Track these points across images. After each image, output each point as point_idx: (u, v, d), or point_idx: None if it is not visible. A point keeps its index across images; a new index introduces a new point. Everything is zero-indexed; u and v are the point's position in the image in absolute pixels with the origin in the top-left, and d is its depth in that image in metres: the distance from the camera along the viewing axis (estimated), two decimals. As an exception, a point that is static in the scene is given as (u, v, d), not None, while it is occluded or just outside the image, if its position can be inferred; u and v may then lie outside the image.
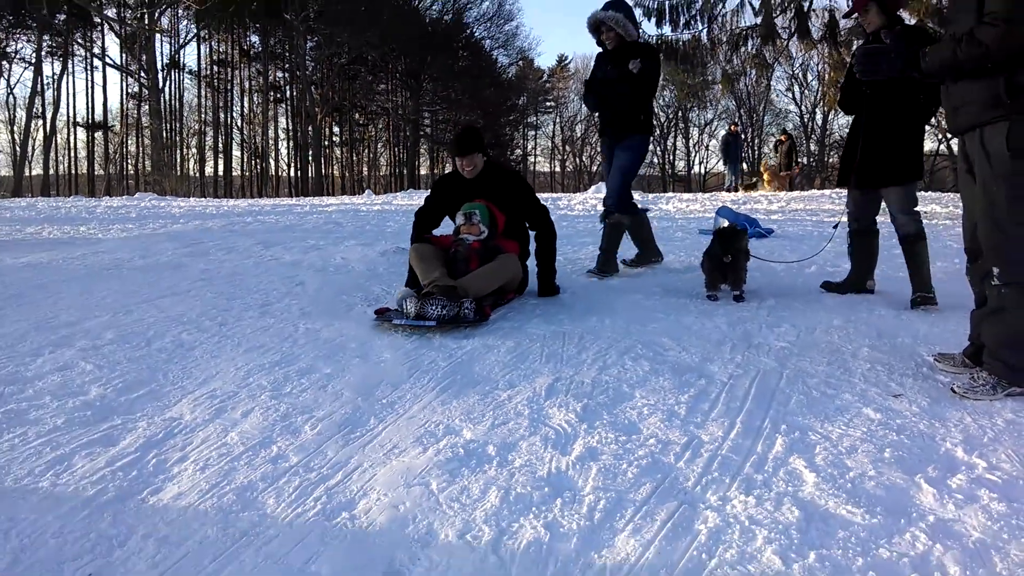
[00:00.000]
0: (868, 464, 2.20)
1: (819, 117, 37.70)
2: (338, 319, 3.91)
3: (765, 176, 17.74)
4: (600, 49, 5.24)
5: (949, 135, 28.57)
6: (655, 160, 44.52)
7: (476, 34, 43.66)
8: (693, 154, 45.12)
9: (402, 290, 3.93)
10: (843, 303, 4.19)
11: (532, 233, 4.53)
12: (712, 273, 4.28)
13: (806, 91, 36.94)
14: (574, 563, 1.75)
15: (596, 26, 5.10)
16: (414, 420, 2.59)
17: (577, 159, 48.34)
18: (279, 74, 43.17)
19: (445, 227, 4.61)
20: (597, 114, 5.50)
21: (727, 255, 4.15)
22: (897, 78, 3.01)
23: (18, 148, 36.62)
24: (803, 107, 38.59)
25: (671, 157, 45.02)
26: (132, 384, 2.96)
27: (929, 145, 28.94)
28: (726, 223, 5.75)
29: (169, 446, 2.42)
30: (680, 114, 43.89)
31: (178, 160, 40.99)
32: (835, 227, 4.75)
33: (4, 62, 36.94)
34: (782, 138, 19.70)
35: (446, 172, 4.61)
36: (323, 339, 3.55)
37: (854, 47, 4.79)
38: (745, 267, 4.28)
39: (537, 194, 4.67)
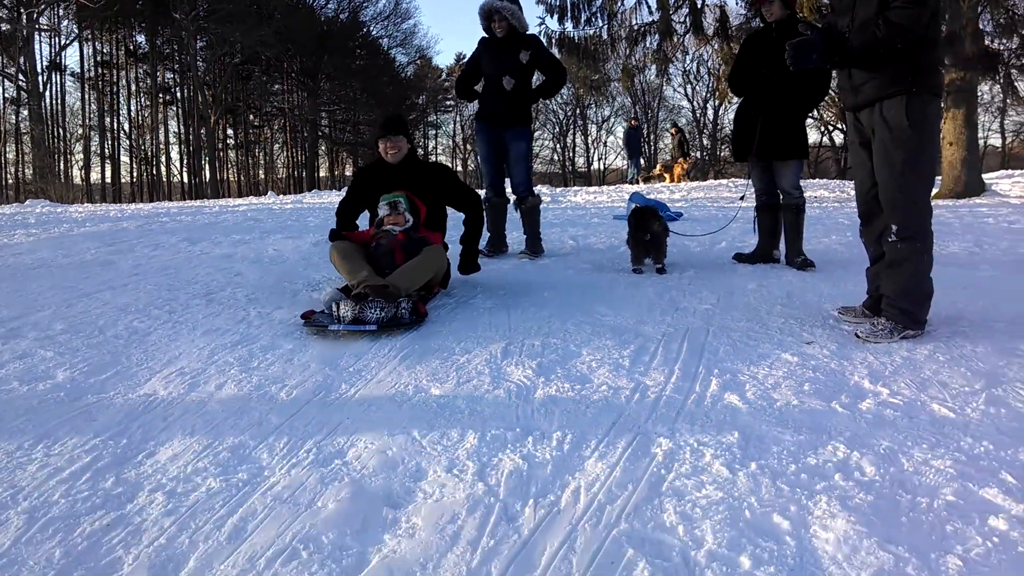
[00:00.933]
0: (791, 396, 2.55)
1: (710, 112, 39.26)
2: (286, 303, 4.04)
3: (662, 173, 18.63)
4: (485, 36, 5.44)
5: (831, 126, 30.19)
6: (555, 157, 45.37)
7: (373, 32, 43.36)
8: (592, 150, 46.16)
9: (328, 291, 3.65)
10: (754, 271, 4.66)
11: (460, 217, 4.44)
12: (636, 248, 4.65)
13: (698, 87, 38.37)
14: (552, 484, 2.00)
15: (489, 14, 5.31)
16: (384, 383, 2.79)
17: (479, 157, 48.64)
18: (168, 75, 41.71)
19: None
20: (474, 102, 5.66)
21: (647, 233, 4.51)
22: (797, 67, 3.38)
23: None
24: (695, 103, 40.13)
25: (571, 154, 45.91)
26: (97, 367, 3.03)
27: (813, 137, 30.65)
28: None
29: (151, 417, 2.53)
30: (578, 111, 44.81)
31: (62, 167, 39.01)
32: (741, 198, 5.23)
33: None
34: (672, 131, 20.63)
35: (364, 165, 4.51)
36: (277, 320, 3.68)
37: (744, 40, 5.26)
38: (665, 242, 4.66)
39: None
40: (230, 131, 42.89)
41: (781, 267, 4.82)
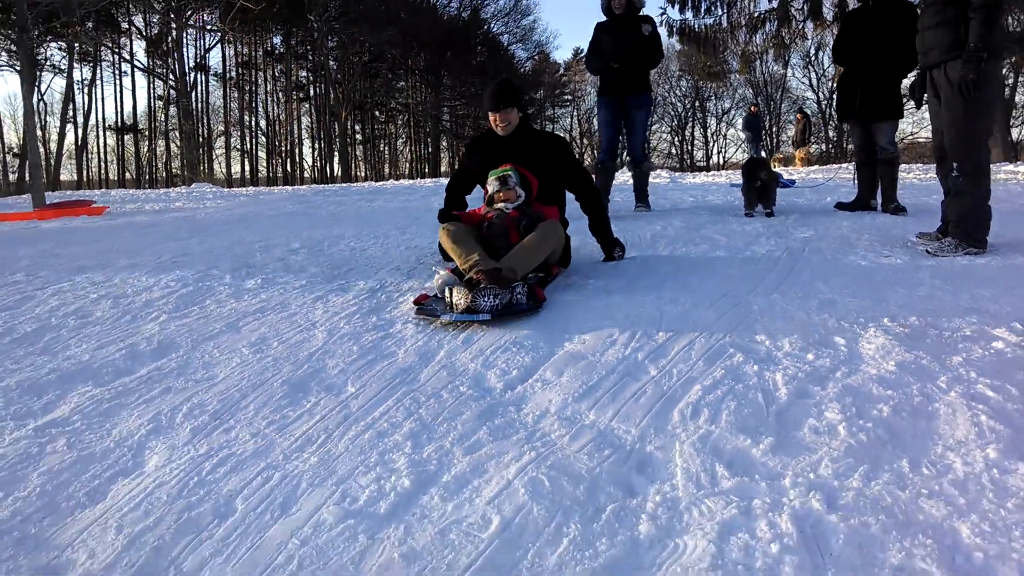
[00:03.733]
0: (864, 279, 3.34)
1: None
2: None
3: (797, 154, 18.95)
4: (604, 18, 6.06)
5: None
6: (673, 150, 45.45)
7: (494, 29, 44.73)
8: (711, 143, 45.91)
9: (441, 274, 3.30)
10: (852, 216, 5.41)
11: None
12: (748, 194, 5.44)
13: (823, 78, 37.70)
14: (684, 322, 2.87)
15: None
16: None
17: (596, 151, 49.18)
18: (302, 74, 44.37)
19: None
20: (599, 77, 6.18)
21: (757, 180, 5.30)
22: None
23: (52, 154, 37.86)
24: (820, 93, 39.35)
25: (689, 147, 45.86)
26: (337, 265, 4.15)
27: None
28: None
29: (390, 286, 3.57)
30: (697, 103, 44.71)
31: (206, 161, 42.18)
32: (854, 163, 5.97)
33: (35, 69, 38.18)
34: (798, 116, 20.81)
35: (474, 137, 4.22)
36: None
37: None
38: (775, 189, 5.45)
39: None
40: (358, 126, 45.33)
41: (877, 213, 5.52)
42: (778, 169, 16.22)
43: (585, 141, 49.56)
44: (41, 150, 40.86)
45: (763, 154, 21.46)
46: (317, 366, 2.64)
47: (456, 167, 4.14)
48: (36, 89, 39.70)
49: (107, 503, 1.88)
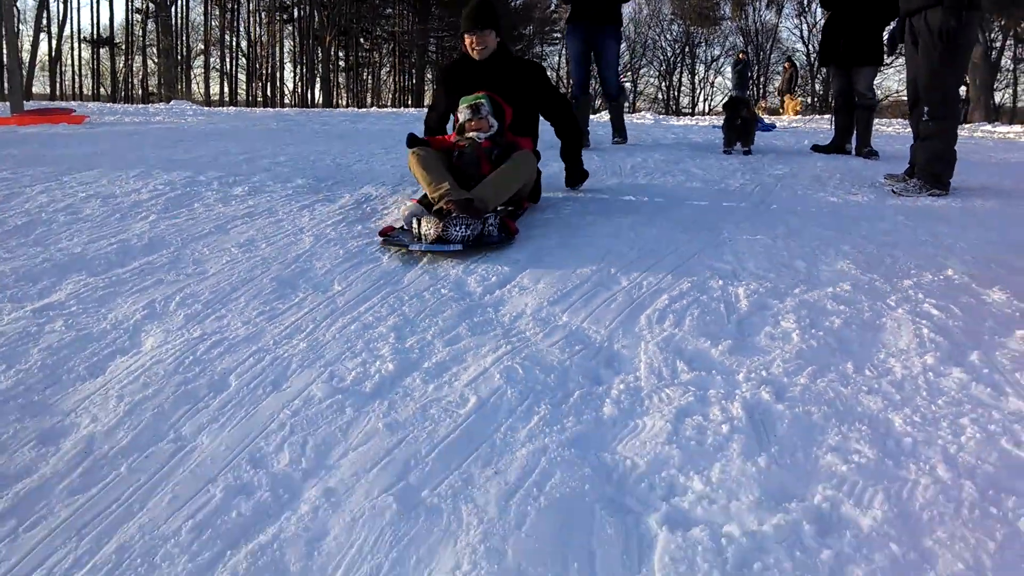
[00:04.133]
0: (829, 214, 3.51)
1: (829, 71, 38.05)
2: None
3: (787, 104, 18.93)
4: None
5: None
6: (659, 96, 45.12)
7: (485, -41, 43.60)
8: (698, 90, 45.56)
9: (408, 205, 3.20)
10: (826, 158, 5.58)
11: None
12: (728, 132, 5.56)
13: (814, 30, 37.37)
14: (655, 247, 3.01)
15: None
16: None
17: (568, 58, 48.43)
18: (287, -6, 43.26)
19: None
20: (569, 5, 6.18)
21: (738, 118, 5.41)
22: None
23: (24, 64, 36.84)
24: (810, 45, 39.01)
25: (676, 93, 45.51)
26: (322, 178, 4.23)
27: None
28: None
29: (375, 199, 3.66)
30: (687, 49, 44.23)
31: (183, 81, 41.33)
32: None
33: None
34: (786, 65, 20.82)
35: (449, 62, 4.02)
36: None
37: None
38: (754, 128, 5.57)
39: None
40: (341, 53, 44.45)
41: (850, 156, 5.67)
42: (765, 117, 16.35)
43: (570, 81, 48.95)
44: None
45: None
46: (305, 266, 2.75)
47: (436, 82, 4.02)
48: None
49: (106, 376, 2.00)
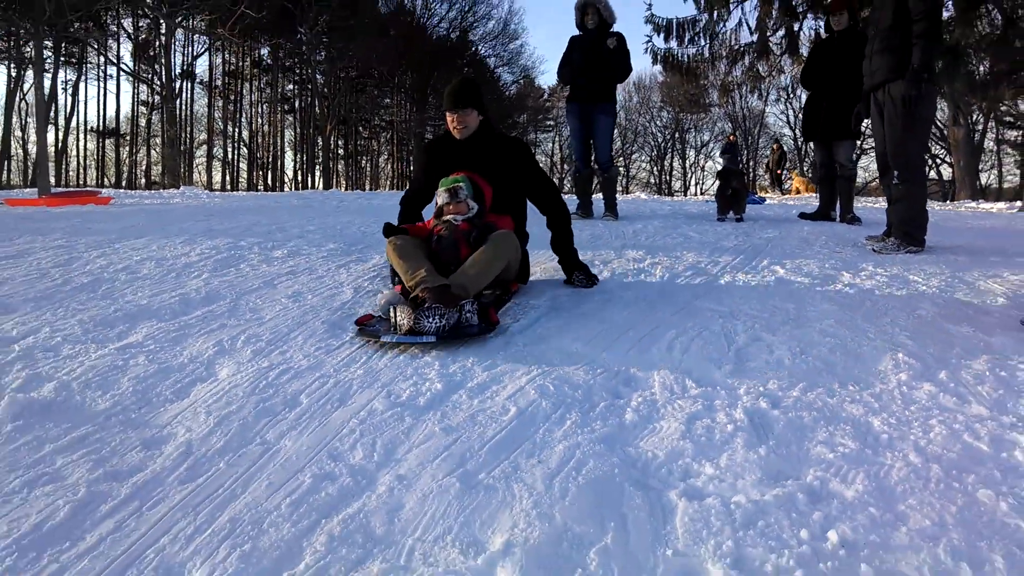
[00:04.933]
0: (815, 267, 3.88)
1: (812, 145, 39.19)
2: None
3: (796, 183, 19.48)
4: (577, 33, 6.53)
5: (938, 159, 30.40)
6: (652, 180, 46.30)
7: (481, 51, 45.49)
8: (690, 175, 46.69)
9: (386, 293, 3.10)
10: (813, 223, 6.02)
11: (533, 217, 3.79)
12: (721, 200, 6.00)
13: (799, 115, 38.64)
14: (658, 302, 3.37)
15: (584, 8, 6.45)
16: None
17: (569, 134, 49.33)
18: (288, 86, 44.77)
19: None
20: (567, 87, 6.62)
21: (729, 188, 5.85)
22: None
23: (31, 156, 37.74)
24: (797, 129, 40.17)
25: (668, 177, 46.69)
26: (352, 243, 4.61)
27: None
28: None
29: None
30: (677, 135, 45.65)
31: (186, 168, 42.29)
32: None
33: (20, 69, 38.16)
34: (774, 146, 21.69)
35: (431, 140, 3.83)
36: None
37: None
38: (745, 197, 6.01)
39: None
40: (340, 141, 45.74)
41: (835, 223, 6.11)
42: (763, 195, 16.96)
43: (566, 167, 50.28)
44: (20, 151, 40.91)
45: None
46: (350, 312, 3.09)
47: (417, 162, 3.75)
48: (19, 88, 39.81)
49: (192, 398, 2.31)
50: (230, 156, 44.67)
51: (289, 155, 45.31)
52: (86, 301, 3.30)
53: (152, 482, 1.85)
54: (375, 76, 42.24)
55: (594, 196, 6.97)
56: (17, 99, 40.17)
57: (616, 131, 6.55)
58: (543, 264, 4.04)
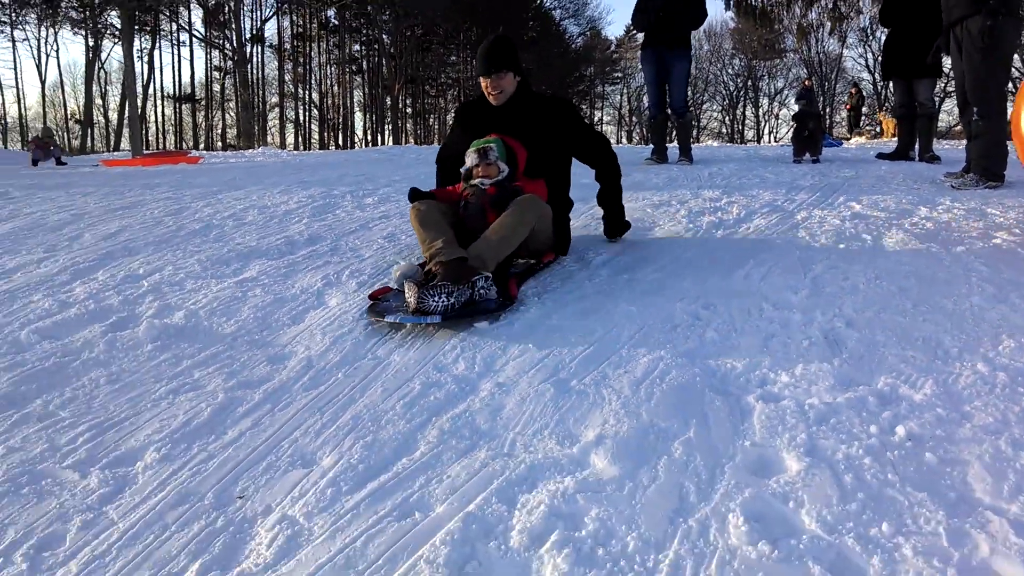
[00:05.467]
0: (892, 202, 3.92)
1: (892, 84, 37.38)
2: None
3: (886, 124, 18.95)
4: None
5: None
6: (723, 130, 45.25)
7: (546, 4, 44.88)
8: (763, 123, 45.33)
9: (401, 264, 2.91)
10: (891, 163, 5.97)
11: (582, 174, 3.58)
12: (797, 143, 6.00)
13: (879, 57, 36.95)
14: (739, 225, 3.48)
15: None
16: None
17: (644, 129, 49.02)
18: (355, 47, 45.14)
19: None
20: (640, 34, 6.76)
21: (805, 130, 5.84)
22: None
23: (112, 123, 39.15)
24: (876, 74, 38.49)
25: (740, 126, 45.49)
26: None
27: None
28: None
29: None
30: (750, 83, 44.29)
31: (259, 132, 43.27)
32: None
33: (97, 39, 39.42)
34: (852, 90, 21.03)
35: (467, 100, 3.56)
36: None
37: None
38: (821, 140, 5.99)
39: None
40: (408, 100, 46.05)
41: (913, 162, 6.05)
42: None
43: (634, 119, 49.61)
44: (101, 119, 42.50)
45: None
46: (441, 250, 3.30)
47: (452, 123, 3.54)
48: (98, 58, 41.28)
49: (307, 323, 2.56)
50: (301, 118, 45.50)
51: (358, 115, 45.83)
52: (200, 244, 3.60)
53: (280, 390, 2.10)
54: (440, 34, 42.23)
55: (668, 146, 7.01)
56: (96, 68, 41.67)
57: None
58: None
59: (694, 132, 41.11)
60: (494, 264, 2.73)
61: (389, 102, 40.02)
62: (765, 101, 44.82)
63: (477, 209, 2.94)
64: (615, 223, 3.43)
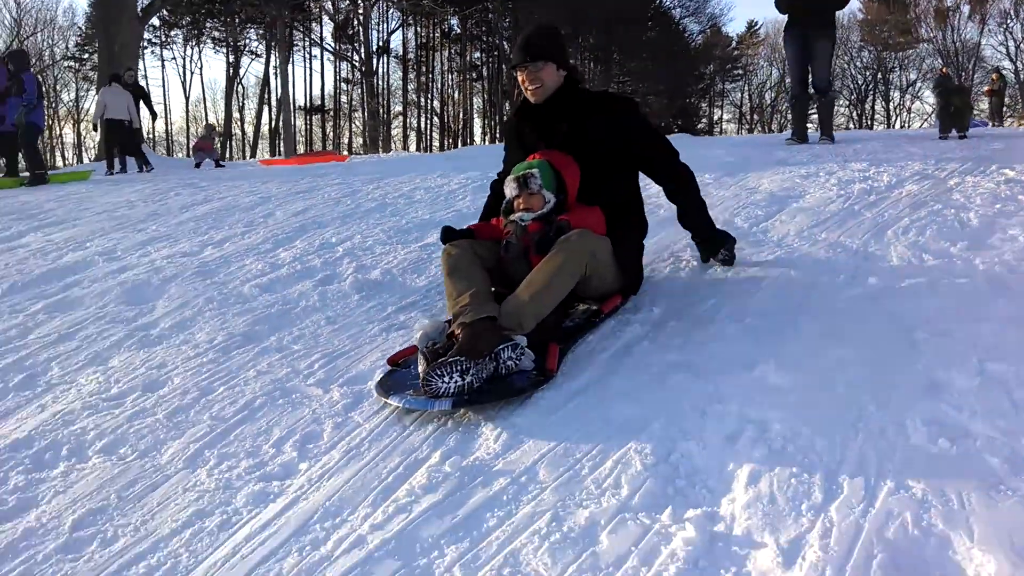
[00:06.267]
0: None
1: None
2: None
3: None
4: None
5: None
6: (851, 125, 43.30)
7: (666, 3, 44.46)
8: (894, 116, 42.96)
9: (425, 324, 2.32)
10: None
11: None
12: (943, 119, 5.92)
13: (1022, 44, 34.60)
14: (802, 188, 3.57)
15: None
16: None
17: (766, 127, 47.65)
18: (476, 55, 46.16)
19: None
20: (787, 14, 6.65)
21: (951, 106, 5.76)
22: None
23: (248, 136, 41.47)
24: (1019, 62, 35.92)
25: (868, 121, 43.35)
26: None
27: None
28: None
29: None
30: (880, 75, 42.14)
31: (384, 139, 44.91)
32: None
33: (236, 56, 41.93)
34: (993, 76, 19.87)
35: (513, 110, 2.95)
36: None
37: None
38: (968, 115, 5.89)
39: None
40: (527, 105, 46.48)
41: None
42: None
43: (755, 117, 48.39)
44: (238, 131, 45.18)
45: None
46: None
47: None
48: (237, 74, 43.94)
49: (490, 277, 2.86)
50: (422, 126, 46.93)
51: (477, 122, 46.84)
52: (379, 218, 4.00)
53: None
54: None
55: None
56: (235, 84, 44.33)
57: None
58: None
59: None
60: (533, 322, 2.15)
61: (508, 107, 40.67)
62: (896, 94, 42.63)
63: (518, 251, 2.38)
64: (709, 243, 2.78)
